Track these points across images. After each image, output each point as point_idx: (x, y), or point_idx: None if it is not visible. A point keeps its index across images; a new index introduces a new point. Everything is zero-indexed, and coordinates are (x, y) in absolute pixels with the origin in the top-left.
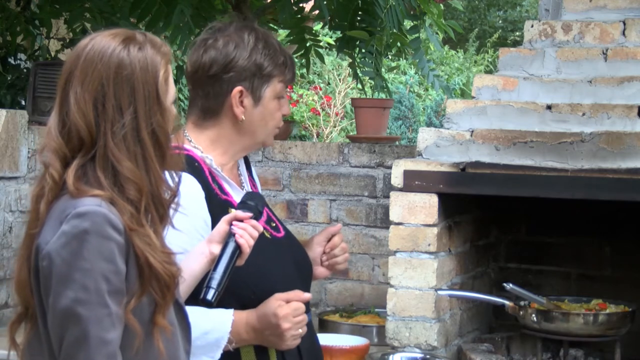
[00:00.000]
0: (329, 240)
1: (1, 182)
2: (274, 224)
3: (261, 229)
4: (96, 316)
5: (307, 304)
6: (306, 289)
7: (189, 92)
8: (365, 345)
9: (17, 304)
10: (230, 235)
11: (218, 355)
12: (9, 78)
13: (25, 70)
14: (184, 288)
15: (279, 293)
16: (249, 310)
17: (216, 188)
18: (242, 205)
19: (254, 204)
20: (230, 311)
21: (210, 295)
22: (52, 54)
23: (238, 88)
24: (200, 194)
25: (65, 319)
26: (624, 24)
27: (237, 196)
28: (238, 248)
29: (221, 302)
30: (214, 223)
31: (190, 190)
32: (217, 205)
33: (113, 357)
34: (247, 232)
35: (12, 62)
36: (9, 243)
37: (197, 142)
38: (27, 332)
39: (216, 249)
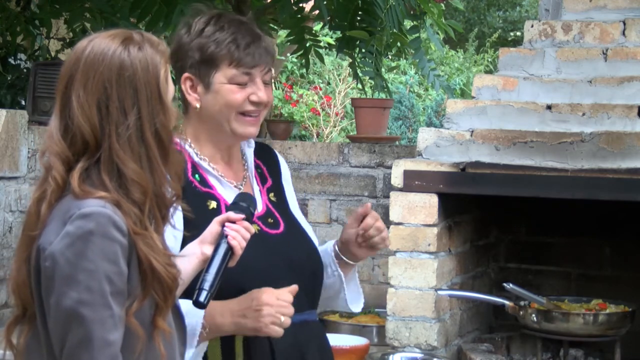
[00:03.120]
0: (362, 222)
1: (1, 182)
2: (272, 220)
3: (253, 230)
4: (100, 317)
5: (305, 305)
6: (301, 288)
7: None
8: (365, 345)
9: (15, 305)
10: (222, 236)
11: (195, 342)
12: (9, 78)
13: (25, 70)
14: (180, 288)
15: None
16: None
17: (195, 180)
18: (234, 207)
19: (246, 205)
20: None
21: (202, 297)
22: (52, 54)
23: (185, 75)
24: None
25: (69, 319)
26: (624, 24)
27: (223, 190)
28: (230, 249)
29: None
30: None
31: None
32: (193, 197)
33: (116, 358)
34: (240, 234)
35: (12, 62)
36: (9, 243)
37: (186, 134)
38: (25, 334)
39: (208, 250)
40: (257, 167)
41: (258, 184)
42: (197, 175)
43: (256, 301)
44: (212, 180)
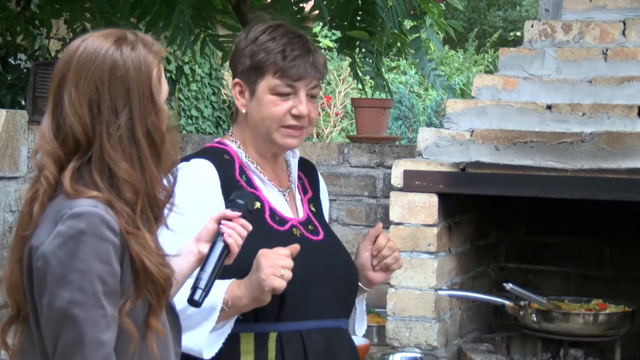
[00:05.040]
0: (374, 243)
1: (1, 182)
2: (312, 227)
3: (250, 228)
4: (92, 318)
5: (340, 312)
6: (338, 295)
7: None
8: (365, 345)
9: (9, 305)
10: (218, 234)
11: (216, 316)
12: (9, 78)
13: (25, 70)
14: (174, 288)
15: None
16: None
17: (242, 180)
18: (231, 204)
19: (243, 202)
20: (230, 280)
21: (197, 296)
22: (52, 54)
23: (235, 80)
24: (214, 179)
25: (61, 320)
26: (624, 24)
27: (268, 193)
28: (226, 247)
29: None
30: None
31: (202, 174)
32: None
33: (109, 359)
34: (236, 232)
35: (12, 62)
36: (9, 243)
37: (236, 137)
38: (19, 334)
39: (204, 248)
40: (299, 178)
41: (300, 193)
42: (244, 176)
43: (255, 261)
44: (257, 182)
